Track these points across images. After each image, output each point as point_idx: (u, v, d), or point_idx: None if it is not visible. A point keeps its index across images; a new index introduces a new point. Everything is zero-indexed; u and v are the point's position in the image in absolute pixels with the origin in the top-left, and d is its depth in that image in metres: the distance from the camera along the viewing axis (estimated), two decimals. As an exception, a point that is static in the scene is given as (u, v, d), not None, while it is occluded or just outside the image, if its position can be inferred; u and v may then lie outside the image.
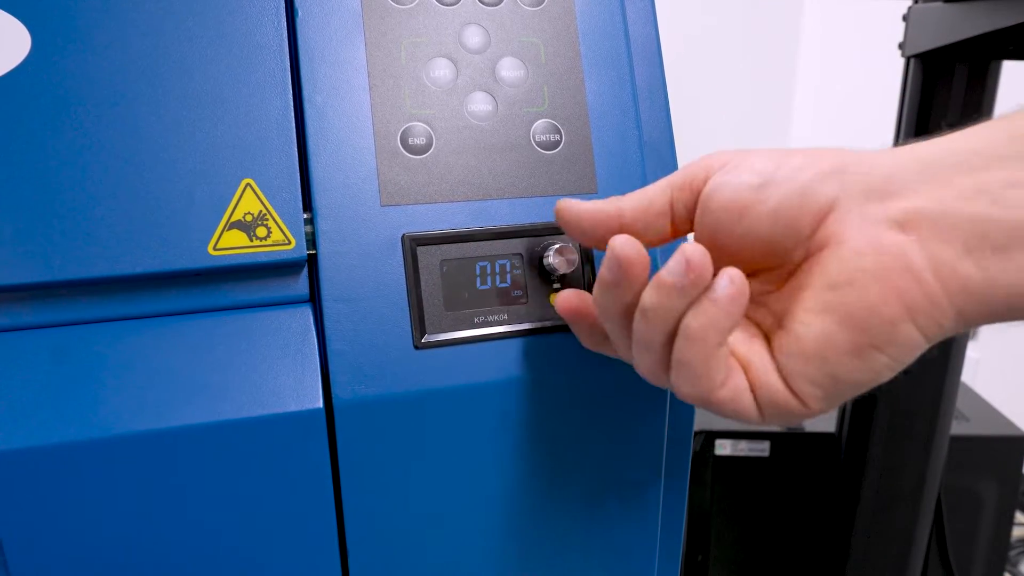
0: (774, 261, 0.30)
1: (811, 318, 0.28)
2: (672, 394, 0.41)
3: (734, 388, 0.30)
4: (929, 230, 0.26)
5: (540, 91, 0.39)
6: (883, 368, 0.28)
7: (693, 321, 0.28)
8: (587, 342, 0.36)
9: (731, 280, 0.28)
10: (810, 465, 1.08)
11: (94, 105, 0.33)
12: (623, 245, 0.29)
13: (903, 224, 0.27)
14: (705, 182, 0.31)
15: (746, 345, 0.31)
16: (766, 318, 0.32)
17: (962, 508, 1.09)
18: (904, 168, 0.27)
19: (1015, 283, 0.25)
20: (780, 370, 0.29)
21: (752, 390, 0.30)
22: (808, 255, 0.29)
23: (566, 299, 0.35)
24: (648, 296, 0.29)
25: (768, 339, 0.31)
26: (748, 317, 0.32)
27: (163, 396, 0.33)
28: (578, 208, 0.34)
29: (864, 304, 0.27)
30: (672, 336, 0.29)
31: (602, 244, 0.35)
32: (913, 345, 0.27)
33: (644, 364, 0.31)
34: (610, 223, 0.33)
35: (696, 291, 0.28)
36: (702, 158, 0.32)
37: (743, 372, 0.30)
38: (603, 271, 0.30)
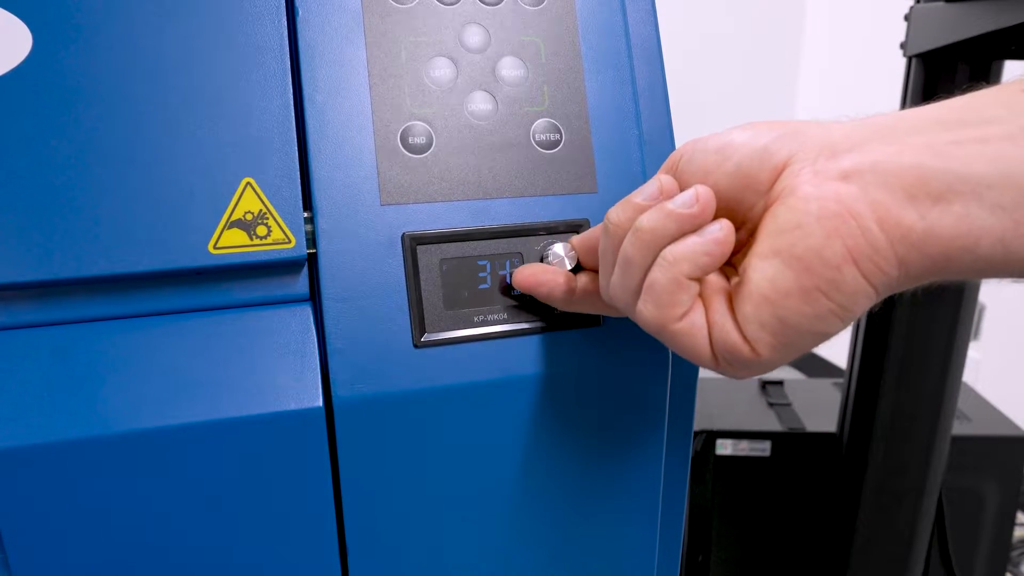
0: (739, 219, 0.32)
1: (760, 262, 0.29)
2: (671, 393, 0.41)
3: (692, 323, 0.31)
4: (872, 176, 0.27)
5: (540, 90, 0.39)
6: (829, 315, 0.28)
7: (675, 247, 0.30)
8: (562, 303, 0.37)
9: (722, 226, 0.30)
10: (811, 465, 1.08)
11: (95, 104, 0.33)
12: (668, 180, 0.32)
13: (849, 174, 0.28)
14: (680, 159, 0.33)
15: (712, 289, 0.32)
16: (732, 275, 0.33)
17: (963, 508, 1.09)
18: (859, 130, 0.29)
19: (953, 235, 0.26)
20: (734, 315, 0.31)
21: (708, 329, 0.31)
22: (766, 208, 0.30)
23: (523, 276, 0.37)
24: (647, 217, 0.31)
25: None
26: (719, 269, 0.33)
27: (163, 394, 0.33)
28: (584, 235, 0.37)
29: (808, 246, 0.28)
30: (651, 264, 0.31)
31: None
32: (858, 292, 0.28)
33: (619, 284, 0.33)
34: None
35: (692, 225, 0.30)
36: (680, 146, 0.34)
37: (704, 313, 0.31)
38: (634, 195, 0.32)
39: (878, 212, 0.27)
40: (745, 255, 0.31)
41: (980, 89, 0.29)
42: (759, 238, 0.30)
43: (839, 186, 0.28)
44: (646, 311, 0.31)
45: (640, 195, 0.32)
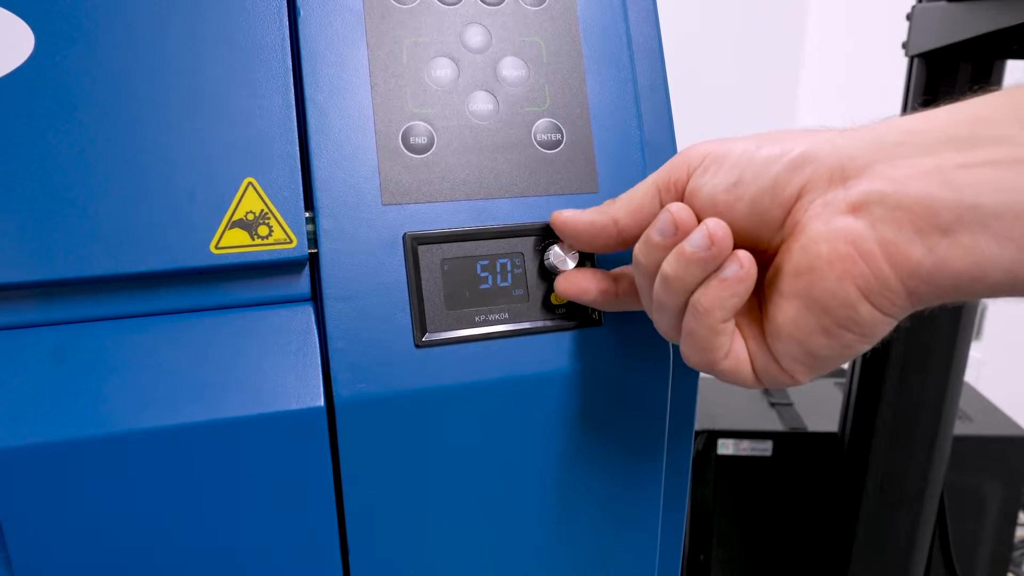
0: (758, 248, 0.32)
1: (783, 302, 0.30)
2: (673, 393, 0.41)
3: (736, 359, 0.32)
4: (880, 210, 0.27)
5: (541, 90, 0.39)
6: (855, 343, 0.29)
7: (703, 297, 0.30)
8: (606, 307, 0.38)
9: (740, 264, 0.30)
10: (813, 465, 1.08)
11: (97, 104, 0.33)
12: (679, 209, 0.31)
13: (857, 207, 0.28)
14: (687, 180, 0.33)
15: (747, 319, 0.33)
16: (762, 296, 0.33)
17: (965, 508, 1.09)
18: (867, 150, 0.28)
19: (961, 267, 0.26)
20: (768, 347, 0.32)
21: (750, 360, 0.32)
22: (783, 242, 0.31)
23: (567, 284, 0.37)
24: (669, 264, 0.31)
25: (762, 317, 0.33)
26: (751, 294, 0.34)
27: (165, 394, 0.33)
28: (574, 221, 0.36)
29: (824, 289, 0.28)
30: (686, 304, 0.31)
31: (602, 251, 0.36)
32: (876, 323, 0.29)
33: (661, 324, 0.34)
34: (607, 232, 0.35)
35: (714, 264, 0.30)
36: (682, 153, 0.34)
37: (745, 343, 0.32)
38: (652, 232, 0.32)
39: (888, 250, 0.27)
40: (772, 274, 0.31)
41: (991, 93, 0.28)
42: (779, 275, 0.30)
43: (848, 222, 0.28)
44: (692, 356, 0.32)
45: (656, 232, 0.32)
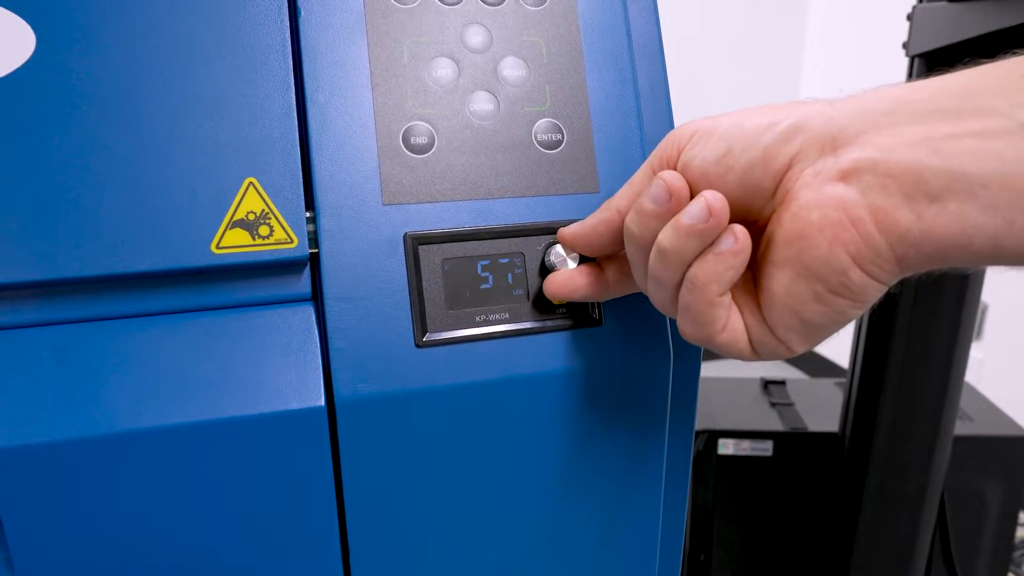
0: (750, 218, 0.32)
1: (775, 271, 0.30)
2: (673, 393, 0.41)
3: (733, 332, 0.32)
4: (870, 177, 0.28)
5: (542, 90, 0.39)
6: (847, 308, 0.30)
7: (698, 271, 0.31)
8: (602, 298, 0.38)
9: (736, 237, 0.30)
10: (813, 465, 1.08)
11: (98, 104, 0.33)
12: (672, 177, 0.31)
13: (848, 174, 0.28)
14: (678, 156, 0.33)
15: (741, 291, 0.33)
16: (755, 268, 0.34)
17: (966, 508, 1.09)
18: (857, 120, 0.29)
19: (948, 233, 0.27)
20: (763, 318, 0.32)
21: (747, 332, 0.32)
22: (773, 211, 0.31)
23: (555, 286, 0.37)
24: (665, 236, 0.31)
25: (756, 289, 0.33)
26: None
27: (165, 393, 0.33)
28: (581, 228, 0.37)
29: (815, 256, 0.29)
30: (683, 279, 0.32)
31: (613, 249, 0.36)
32: (867, 287, 0.29)
33: (657, 298, 0.34)
34: (614, 226, 0.35)
35: (711, 237, 0.30)
36: (671, 133, 0.34)
37: (741, 316, 0.32)
38: (644, 200, 0.32)
39: (877, 216, 0.28)
40: (764, 244, 0.31)
41: (981, 64, 0.28)
42: (771, 245, 0.31)
43: (839, 189, 0.28)
44: (689, 330, 0.33)
45: (650, 200, 0.32)
